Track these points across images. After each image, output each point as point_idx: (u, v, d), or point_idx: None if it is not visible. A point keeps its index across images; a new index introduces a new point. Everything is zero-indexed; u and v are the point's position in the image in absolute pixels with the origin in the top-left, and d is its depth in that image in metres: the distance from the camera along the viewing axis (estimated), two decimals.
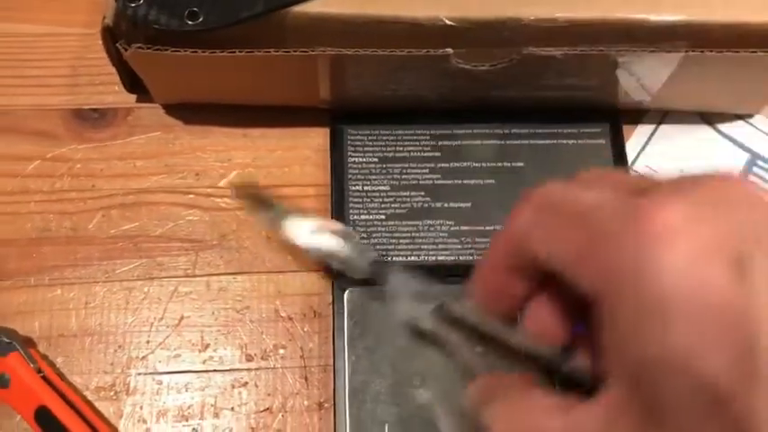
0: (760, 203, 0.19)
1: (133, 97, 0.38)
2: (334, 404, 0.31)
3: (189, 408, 0.33)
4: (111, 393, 0.33)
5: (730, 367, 0.16)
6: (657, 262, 0.17)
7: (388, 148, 0.37)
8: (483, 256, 0.25)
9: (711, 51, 0.31)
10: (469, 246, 0.35)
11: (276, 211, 0.32)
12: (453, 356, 0.29)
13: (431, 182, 0.36)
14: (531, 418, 0.22)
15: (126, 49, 0.31)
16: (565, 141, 0.37)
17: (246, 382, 0.33)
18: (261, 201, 0.33)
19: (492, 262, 0.25)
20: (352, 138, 0.37)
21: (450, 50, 0.31)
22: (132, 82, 0.36)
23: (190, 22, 0.29)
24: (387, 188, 0.36)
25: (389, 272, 0.31)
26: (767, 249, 0.17)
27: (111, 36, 0.31)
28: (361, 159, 0.36)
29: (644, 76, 0.33)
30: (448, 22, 0.30)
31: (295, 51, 0.30)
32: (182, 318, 0.34)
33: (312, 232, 0.31)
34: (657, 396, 0.18)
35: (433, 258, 0.35)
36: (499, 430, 0.23)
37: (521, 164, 0.36)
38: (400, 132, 0.37)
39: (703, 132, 0.38)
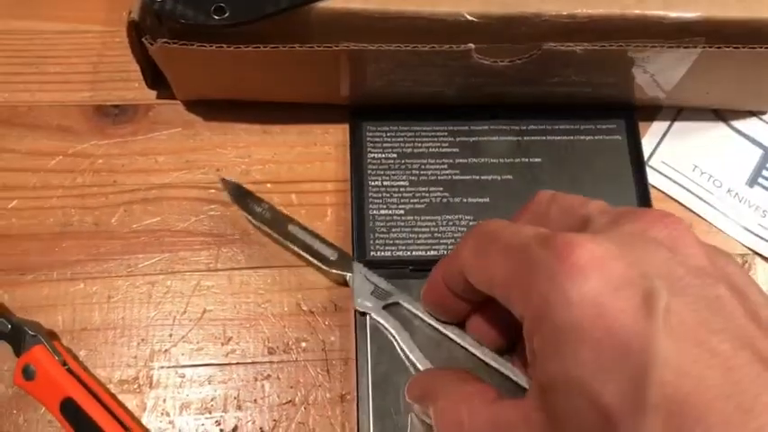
0: (682, 245, 0.21)
1: (153, 94, 0.38)
2: (357, 396, 0.31)
3: (212, 400, 0.33)
4: (135, 386, 0.33)
5: (622, 395, 0.18)
6: (570, 293, 0.20)
7: (407, 144, 0.37)
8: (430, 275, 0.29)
9: (728, 47, 0.31)
10: None
11: (261, 207, 0.35)
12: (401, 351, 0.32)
13: (449, 177, 0.36)
14: (465, 407, 0.25)
15: (152, 44, 0.31)
16: (581, 137, 0.37)
17: (269, 375, 0.33)
18: (247, 196, 0.35)
19: (435, 284, 0.29)
20: (372, 134, 0.37)
21: (471, 46, 0.31)
22: (153, 78, 0.36)
23: (216, 17, 0.30)
24: (406, 183, 0.36)
25: (354, 266, 0.34)
26: (678, 290, 0.19)
27: (137, 31, 0.32)
28: (380, 155, 0.37)
29: (660, 72, 0.34)
30: (469, 17, 0.31)
31: (319, 47, 0.31)
32: (204, 311, 0.34)
33: (289, 226, 0.34)
34: (559, 410, 0.20)
35: None
36: (438, 421, 0.26)
37: (538, 159, 0.37)
38: (418, 128, 0.37)
39: (717, 129, 0.39)
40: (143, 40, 0.31)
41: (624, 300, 0.19)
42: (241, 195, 0.35)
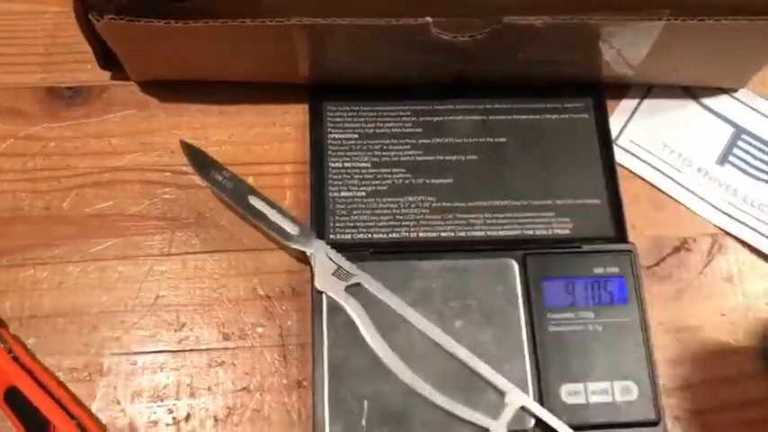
0: None
1: (108, 75, 0.37)
2: (313, 381, 0.30)
3: (164, 388, 0.32)
4: (85, 374, 0.32)
5: None
6: None
7: (369, 125, 0.36)
8: None
9: (693, 20, 0.30)
10: (451, 222, 0.34)
11: (223, 176, 0.33)
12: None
13: (412, 158, 0.35)
14: None
15: (98, 21, 0.30)
16: (548, 116, 0.36)
17: (224, 362, 0.32)
18: (208, 163, 0.34)
19: None
20: (332, 114, 0.36)
21: (429, 19, 0.30)
22: (106, 58, 0.35)
23: None
24: (367, 165, 0.35)
25: (316, 243, 0.32)
26: None
27: (84, 7, 0.30)
28: (340, 136, 0.36)
29: (626, 47, 0.33)
30: None
31: (270, 21, 0.30)
32: (157, 297, 0.33)
33: (249, 196, 0.33)
34: None
35: (415, 235, 0.34)
36: None
37: (503, 139, 0.36)
38: (381, 108, 0.36)
39: (688, 106, 0.38)
40: (90, 16, 0.30)
41: None
42: (202, 162, 0.34)
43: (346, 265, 0.32)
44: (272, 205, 0.33)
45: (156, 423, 0.31)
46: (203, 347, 0.33)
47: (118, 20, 0.30)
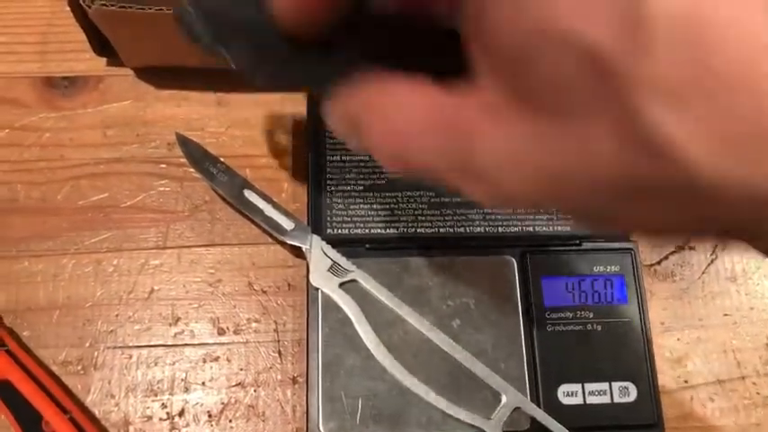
0: None
1: (104, 65, 0.37)
2: (307, 378, 0.30)
3: (159, 382, 0.32)
4: (79, 368, 0.32)
5: (615, 35, 0.14)
6: None
7: None
8: None
9: None
10: (450, 217, 0.34)
11: (218, 169, 0.33)
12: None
13: None
14: (399, 113, 0.19)
15: (90, 7, 0.29)
16: None
17: (218, 357, 0.32)
18: (203, 156, 0.33)
19: None
20: None
21: None
22: (102, 45, 0.34)
23: None
24: (366, 158, 0.35)
25: (312, 239, 0.32)
26: None
27: None
28: None
29: None
30: None
31: None
32: (152, 291, 0.33)
33: (243, 189, 0.33)
34: (528, 82, 0.16)
35: (413, 230, 0.33)
36: (372, 142, 0.20)
37: None
38: None
39: None
40: (81, 2, 0.30)
41: None
42: (197, 155, 0.33)
43: (342, 260, 0.31)
44: (268, 199, 0.33)
45: (149, 418, 0.31)
46: (197, 342, 0.32)
47: (108, 6, 0.29)
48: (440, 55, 0.21)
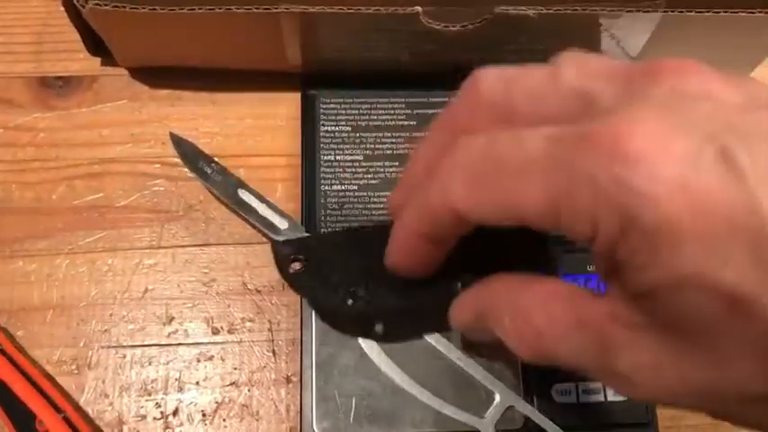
0: (714, 88, 0.18)
1: (99, 65, 0.37)
2: (301, 378, 0.30)
3: (153, 382, 0.32)
4: (73, 367, 0.32)
5: (747, 270, 0.16)
6: (648, 188, 0.16)
7: (362, 117, 0.35)
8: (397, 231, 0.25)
9: (690, 12, 0.30)
10: None
11: (211, 168, 0.33)
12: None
13: (405, 151, 0.35)
14: (540, 313, 0.21)
15: (83, 7, 0.30)
16: None
17: (212, 356, 0.32)
18: (197, 155, 0.33)
19: (408, 237, 0.24)
20: (325, 106, 0.36)
21: (419, 9, 0.29)
22: (96, 45, 0.34)
23: None
24: (360, 158, 0.35)
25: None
26: (744, 135, 0.16)
27: None
28: (333, 128, 0.35)
29: (623, 38, 0.32)
30: None
31: (257, 9, 0.29)
32: (146, 290, 0.33)
33: (238, 189, 0.33)
34: (667, 314, 0.17)
35: None
36: (510, 338, 0.22)
37: None
38: (374, 100, 0.36)
39: None
40: (75, 2, 0.30)
41: (706, 171, 0.16)
42: (191, 154, 0.33)
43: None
44: (262, 199, 0.33)
45: (143, 417, 0.31)
46: (192, 341, 0.32)
47: (102, 6, 0.30)
48: (533, 254, 0.25)
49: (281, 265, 0.28)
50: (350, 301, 0.27)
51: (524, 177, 0.19)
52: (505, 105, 0.21)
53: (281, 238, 0.32)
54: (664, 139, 0.16)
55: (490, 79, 0.22)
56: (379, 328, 0.28)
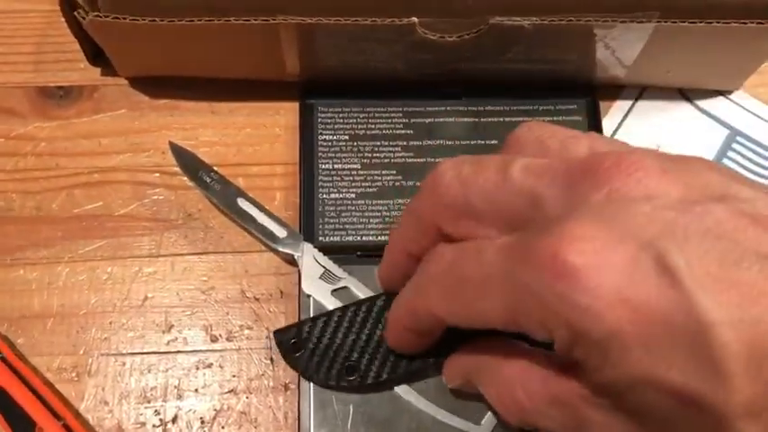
0: (653, 186, 0.19)
1: (99, 75, 0.37)
2: (299, 385, 0.30)
3: (152, 389, 0.32)
4: (73, 375, 0.32)
5: (694, 372, 0.17)
6: (589, 304, 0.18)
7: (360, 126, 0.36)
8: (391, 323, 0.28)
9: (683, 22, 0.30)
10: None
11: (211, 177, 0.34)
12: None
13: (402, 160, 0.35)
14: (520, 388, 0.23)
15: (84, 18, 0.30)
16: (540, 118, 0.36)
17: (211, 364, 0.32)
18: (197, 164, 0.34)
19: (398, 332, 0.28)
20: (323, 115, 0.36)
21: (415, 20, 0.30)
22: (96, 54, 0.35)
23: None
24: (357, 166, 0.35)
25: (303, 246, 0.32)
26: (681, 238, 0.17)
27: (70, 5, 0.30)
28: (331, 137, 0.36)
29: (617, 48, 0.32)
30: None
31: (255, 20, 0.30)
32: (146, 298, 0.33)
33: (237, 198, 0.33)
34: (629, 406, 0.19)
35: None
36: (494, 402, 0.24)
37: (495, 141, 0.36)
38: (372, 109, 0.36)
39: (682, 108, 0.37)
40: (75, 13, 0.30)
41: (643, 280, 0.17)
42: (190, 164, 0.34)
43: (333, 268, 0.32)
44: (260, 208, 0.33)
45: (143, 424, 0.31)
46: (190, 349, 0.33)
47: (102, 17, 0.30)
48: None
49: (284, 351, 0.30)
50: (348, 378, 0.29)
51: (484, 292, 0.21)
52: (464, 204, 0.23)
53: (280, 248, 0.32)
54: (600, 254, 0.18)
55: (447, 180, 0.23)
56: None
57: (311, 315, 0.31)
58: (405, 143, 0.36)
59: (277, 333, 0.30)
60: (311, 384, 0.30)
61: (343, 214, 0.34)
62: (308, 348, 0.29)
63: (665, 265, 0.17)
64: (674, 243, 0.17)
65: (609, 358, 0.18)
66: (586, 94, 0.36)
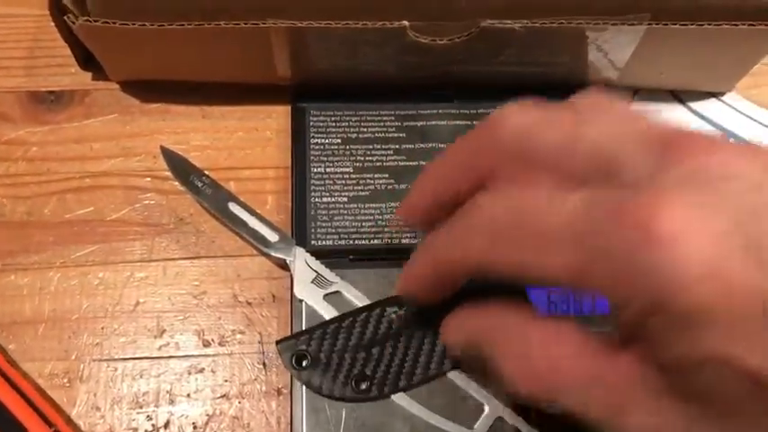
0: (734, 165, 0.18)
1: (90, 79, 0.37)
2: (291, 390, 0.30)
3: (144, 395, 0.32)
4: (65, 380, 0.32)
5: None
6: (681, 272, 0.17)
7: (352, 129, 0.36)
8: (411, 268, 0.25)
9: (675, 24, 0.30)
10: None
11: (202, 182, 0.33)
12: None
13: (395, 163, 0.35)
14: (544, 360, 0.20)
15: (74, 23, 0.30)
16: None
17: (203, 369, 0.32)
18: (188, 169, 0.34)
19: (420, 279, 0.24)
20: (315, 119, 0.36)
21: (405, 23, 0.30)
22: (86, 58, 0.35)
23: None
24: (350, 170, 0.35)
25: (295, 251, 0.32)
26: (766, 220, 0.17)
27: (59, 9, 0.30)
28: (323, 141, 0.35)
29: (609, 50, 0.32)
30: None
31: (246, 24, 0.29)
32: (137, 303, 0.33)
33: (228, 202, 0.33)
34: (693, 387, 0.18)
35: (397, 241, 0.34)
36: (507, 372, 0.21)
37: None
38: (364, 112, 0.36)
39: (674, 110, 0.37)
40: (65, 18, 0.30)
41: (737, 258, 0.16)
42: (182, 168, 0.34)
43: (326, 272, 0.32)
44: (252, 212, 0.33)
45: (135, 430, 0.31)
46: (182, 354, 0.32)
47: (93, 22, 0.30)
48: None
49: (287, 363, 0.29)
50: (355, 387, 0.29)
51: (554, 243, 0.19)
52: (528, 154, 0.21)
53: (272, 252, 0.32)
54: (694, 223, 0.17)
55: (513, 124, 0.21)
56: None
57: (303, 319, 0.31)
58: (397, 146, 0.35)
59: (280, 345, 0.30)
60: (303, 389, 0.30)
61: (336, 218, 0.34)
62: (315, 360, 0.29)
63: (760, 246, 0.16)
64: (764, 225, 0.17)
65: (688, 333, 0.17)
66: None
